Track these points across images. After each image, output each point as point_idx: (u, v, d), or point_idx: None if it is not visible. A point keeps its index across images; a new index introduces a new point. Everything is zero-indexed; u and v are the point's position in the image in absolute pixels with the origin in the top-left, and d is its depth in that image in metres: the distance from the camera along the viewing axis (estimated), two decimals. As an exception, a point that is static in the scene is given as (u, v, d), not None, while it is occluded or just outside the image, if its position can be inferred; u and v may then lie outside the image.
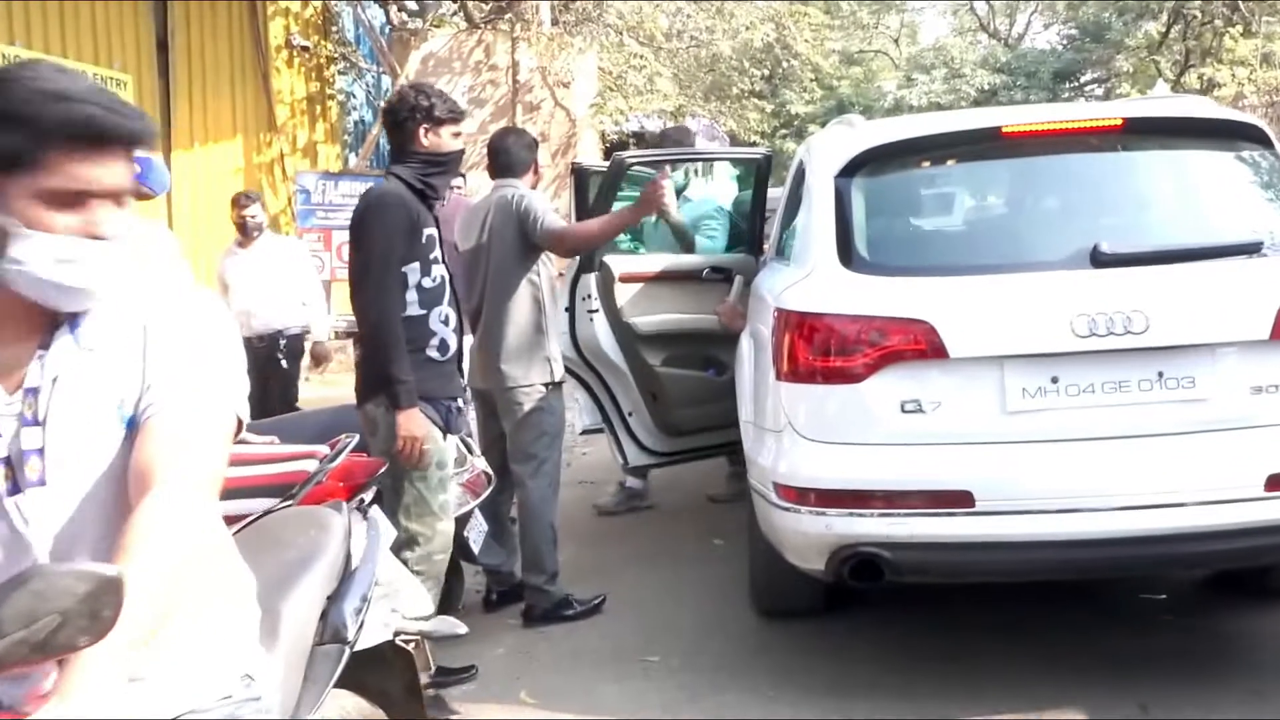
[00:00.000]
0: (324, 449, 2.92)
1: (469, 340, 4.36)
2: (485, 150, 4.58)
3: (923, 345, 3.18)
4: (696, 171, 14.58)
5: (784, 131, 25.53)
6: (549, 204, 4.31)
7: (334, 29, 11.77)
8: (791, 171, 4.64)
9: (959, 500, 3.14)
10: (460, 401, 3.56)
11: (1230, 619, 3.81)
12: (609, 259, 5.02)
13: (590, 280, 4.97)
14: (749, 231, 5.50)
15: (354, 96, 12.88)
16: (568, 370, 4.56)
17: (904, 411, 3.20)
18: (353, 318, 3.69)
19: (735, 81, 15.20)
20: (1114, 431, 3.15)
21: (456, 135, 3.53)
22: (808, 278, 3.44)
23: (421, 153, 3.47)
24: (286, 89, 10.90)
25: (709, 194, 5.86)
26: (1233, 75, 18.38)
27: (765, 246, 5.47)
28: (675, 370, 4.89)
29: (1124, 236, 3.28)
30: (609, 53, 12.57)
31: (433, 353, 3.47)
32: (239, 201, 6.70)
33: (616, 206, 5.56)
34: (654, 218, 5.58)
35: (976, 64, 26.79)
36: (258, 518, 2.22)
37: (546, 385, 4.25)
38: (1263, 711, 3.19)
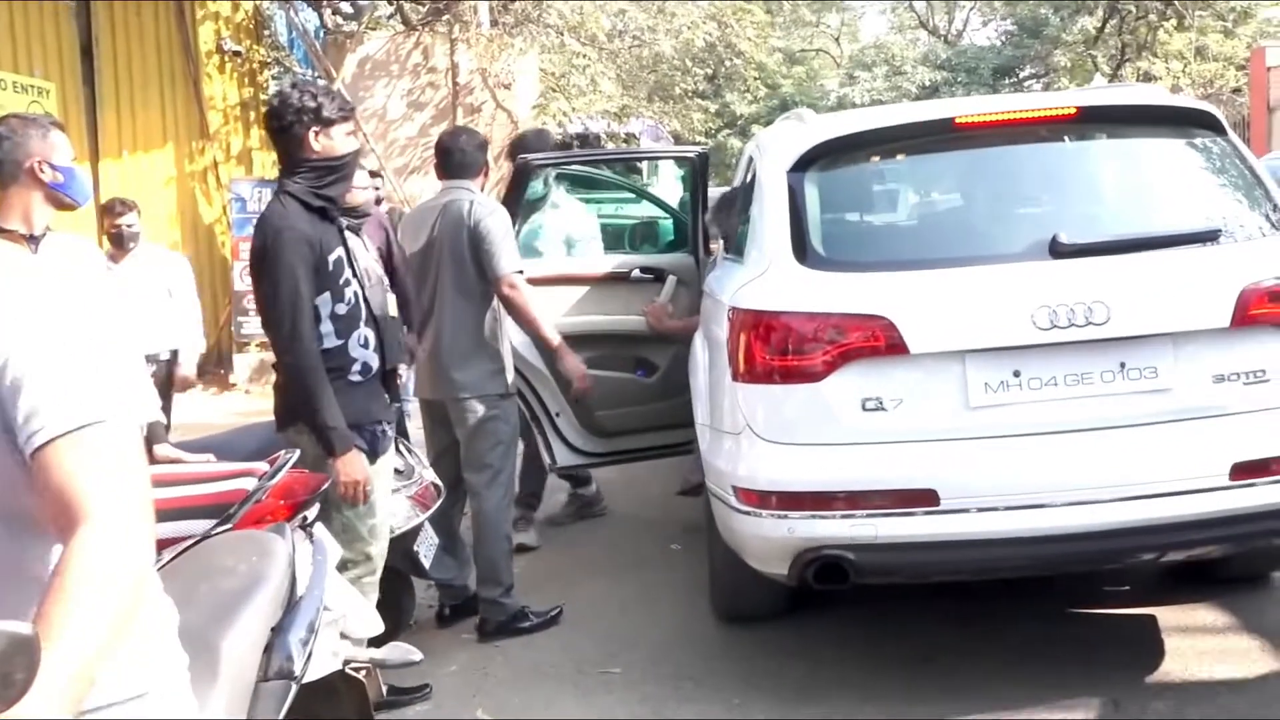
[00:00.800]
0: (263, 466, 2.76)
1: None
2: (431, 152, 4.41)
3: (882, 341, 3.11)
4: (641, 171, 14.53)
5: (727, 131, 25.61)
6: (509, 228, 4.14)
7: (266, 33, 11.49)
8: (740, 168, 4.56)
9: (923, 499, 3.08)
10: (385, 424, 3.33)
11: (1196, 610, 3.78)
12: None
13: None
14: (689, 231, 5.39)
15: (290, 102, 12.58)
16: None
17: (865, 410, 3.13)
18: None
19: (678, 81, 15.14)
20: (1078, 424, 3.10)
21: (350, 135, 3.24)
22: (762, 275, 3.36)
23: (314, 159, 3.15)
24: (219, 95, 10.60)
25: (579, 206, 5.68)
26: (1168, 68, 18.78)
27: (712, 246, 5.39)
28: (596, 371, 4.79)
29: (1082, 226, 3.25)
30: (551, 54, 12.45)
31: (354, 377, 3.25)
32: (113, 209, 5.81)
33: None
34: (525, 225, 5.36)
35: (917, 61, 27.15)
36: (194, 543, 2.07)
37: (500, 394, 4.12)
38: (1235, 707, 3.16)
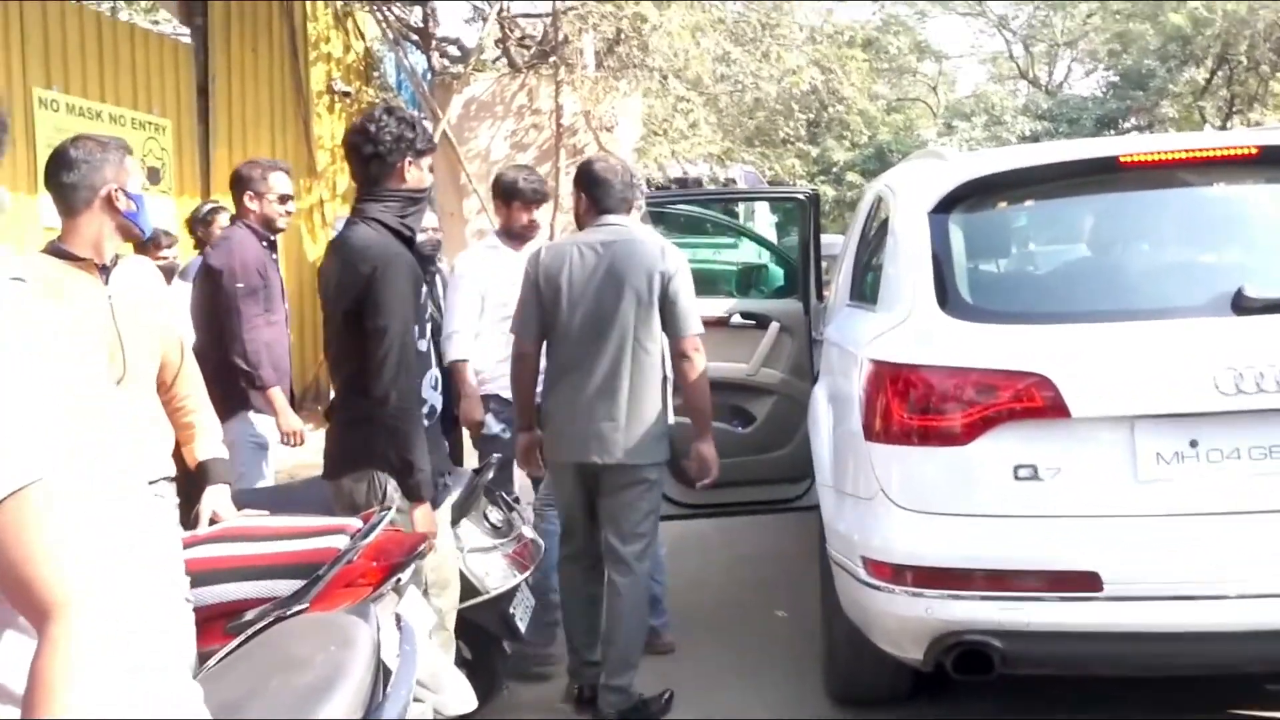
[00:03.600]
0: (356, 522, 2.53)
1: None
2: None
3: (1039, 402, 2.78)
4: (737, 215, 14.27)
5: (822, 178, 25.35)
6: (693, 291, 3.72)
7: (376, 74, 11.64)
8: (864, 209, 4.29)
9: (1084, 583, 2.74)
10: (440, 477, 3.03)
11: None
12: None
13: None
14: (800, 276, 5.11)
15: (394, 142, 12.66)
16: None
17: (1018, 479, 2.80)
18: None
19: (781, 126, 14.90)
20: (1263, 505, 2.73)
21: (431, 169, 3.10)
22: (901, 324, 3.06)
23: (404, 189, 2.98)
24: (327, 134, 10.72)
25: None
26: None
27: (824, 293, 5.12)
28: (684, 420, 4.48)
29: (1270, 279, 2.88)
30: (654, 98, 12.34)
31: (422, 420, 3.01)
32: (159, 242, 5.51)
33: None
34: None
35: (1017, 111, 26.51)
36: (268, 623, 1.82)
37: (662, 461, 3.70)
38: None
